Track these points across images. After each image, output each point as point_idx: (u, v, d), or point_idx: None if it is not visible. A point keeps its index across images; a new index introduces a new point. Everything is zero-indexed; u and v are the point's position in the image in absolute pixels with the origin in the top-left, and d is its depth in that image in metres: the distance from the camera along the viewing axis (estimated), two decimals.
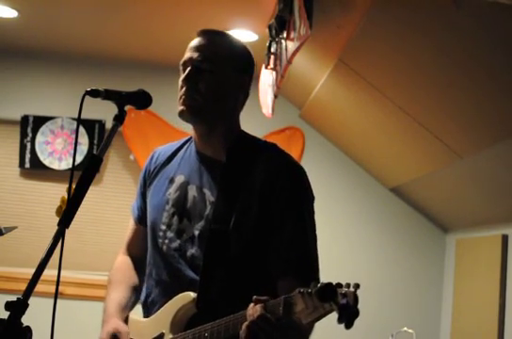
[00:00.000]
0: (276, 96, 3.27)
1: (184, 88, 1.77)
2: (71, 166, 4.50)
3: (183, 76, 1.78)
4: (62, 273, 1.33)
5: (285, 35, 2.87)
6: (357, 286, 1.26)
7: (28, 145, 4.70)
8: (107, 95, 1.49)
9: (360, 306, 1.25)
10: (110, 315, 1.81)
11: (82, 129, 4.68)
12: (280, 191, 1.72)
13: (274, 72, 3.17)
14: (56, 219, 1.35)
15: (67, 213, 1.35)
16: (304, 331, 1.56)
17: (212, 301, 1.68)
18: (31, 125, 4.72)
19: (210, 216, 1.73)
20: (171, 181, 1.85)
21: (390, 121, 3.54)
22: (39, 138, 4.72)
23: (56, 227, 1.34)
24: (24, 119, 4.71)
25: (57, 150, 4.73)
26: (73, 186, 1.41)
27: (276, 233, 1.70)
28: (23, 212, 4.73)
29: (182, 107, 1.77)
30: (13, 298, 1.23)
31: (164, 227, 1.81)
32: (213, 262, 1.70)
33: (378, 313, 4.39)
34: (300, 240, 1.71)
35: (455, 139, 3.11)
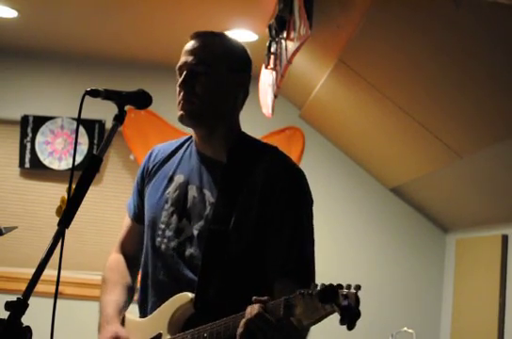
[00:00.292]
0: (276, 96, 3.27)
1: (181, 93, 1.76)
2: (71, 166, 4.49)
3: (179, 81, 1.77)
4: (62, 273, 1.33)
5: (285, 35, 2.87)
6: (358, 288, 1.27)
7: (28, 145, 4.71)
8: (107, 95, 1.49)
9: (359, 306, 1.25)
10: (108, 319, 1.80)
11: (82, 129, 4.68)
12: (280, 193, 1.72)
13: (274, 72, 3.17)
14: (56, 219, 1.35)
15: (67, 213, 1.35)
16: (303, 333, 1.56)
17: (210, 302, 1.67)
18: (31, 125, 4.72)
19: (210, 216, 1.73)
20: (170, 180, 1.84)
21: (390, 121, 3.54)
22: (39, 138, 4.72)
23: (56, 227, 1.34)
24: (24, 119, 4.71)
25: (57, 150, 4.73)
26: (73, 186, 1.41)
27: (274, 235, 1.70)
28: (23, 212, 4.73)
29: (181, 112, 1.77)
30: (13, 298, 1.23)
31: (163, 226, 1.80)
32: (211, 262, 1.70)
33: (378, 313, 4.39)
34: (298, 243, 1.71)
35: (455, 139, 3.12)
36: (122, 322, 1.83)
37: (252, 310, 1.43)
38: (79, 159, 4.65)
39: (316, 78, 3.78)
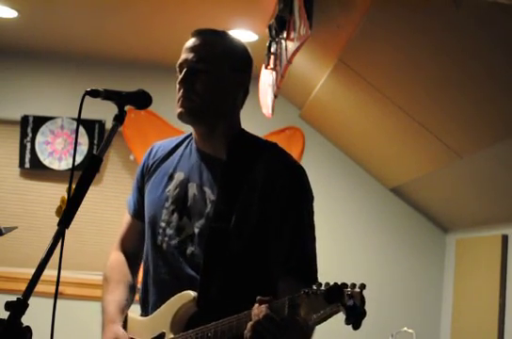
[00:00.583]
0: (276, 96, 3.27)
1: (181, 91, 1.76)
2: (71, 166, 4.49)
3: (179, 78, 1.77)
4: (62, 273, 1.33)
5: (285, 35, 2.87)
6: (363, 287, 1.26)
7: (28, 145, 4.71)
8: (107, 95, 1.49)
9: None
10: (111, 319, 1.79)
11: (82, 129, 4.68)
12: (281, 190, 1.72)
13: (274, 72, 3.17)
14: (56, 219, 1.35)
15: (67, 213, 1.35)
16: (308, 331, 1.56)
17: (212, 300, 1.67)
18: (31, 125, 4.72)
19: (210, 214, 1.73)
20: (171, 177, 1.84)
21: (390, 121, 3.54)
22: (39, 138, 4.72)
23: (56, 227, 1.34)
24: (24, 119, 4.71)
25: (57, 150, 4.73)
26: (73, 186, 1.41)
27: (275, 232, 1.71)
28: (22, 212, 4.73)
29: (180, 110, 1.76)
30: (13, 298, 1.22)
31: (163, 224, 1.80)
32: (213, 260, 1.70)
33: (378, 313, 4.38)
34: (299, 240, 1.71)
35: (454, 139, 3.12)
36: (125, 321, 1.83)
37: (259, 311, 1.43)
38: (79, 159, 4.65)
39: (316, 78, 3.78)
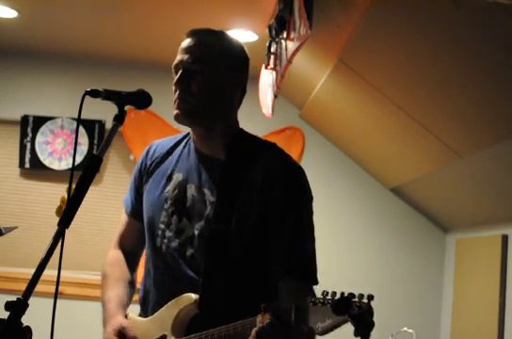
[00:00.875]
0: (276, 96, 3.27)
1: (177, 92, 1.75)
2: (71, 166, 4.49)
3: (175, 79, 1.76)
4: (62, 273, 1.33)
5: (285, 35, 2.87)
6: (371, 298, 1.26)
7: (28, 145, 4.71)
8: (107, 95, 1.49)
9: None
10: (114, 313, 1.79)
11: (82, 129, 4.68)
12: (280, 191, 1.71)
13: (274, 72, 3.17)
14: (56, 219, 1.35)
15: (67, 213, 1.35)
16: None
17: (213, 302, 1.67)
18: (31, 125, 4.72)
19: (210, 216, 1.73)
20: (169, 178, 1.83)
21: (390, 121, 3.54)
22: (39, 138, 4.72)
23: (56, 227, 1.34)
24: (24, 119, 4.71)
25: (57, 150, 4.73)
26: (73, 186, 1.41)
27: (275, 232, 1.70)
28: (22, 212, 4.73)
29: (176, 111, 1.75)
30: (13, 298, 1.22)
31: (162, 226, 1.80)
32: (214, 262, 1.70)
33: (378, 313, 4.34)
34: (299, 240, 1.71)
35: (454, 139, 3.12)
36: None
37: (264, 318, 1.42)
38: (79, 159, 4.65)
39: (316, 78, 3.78)
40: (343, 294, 1.27)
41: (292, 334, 1.39)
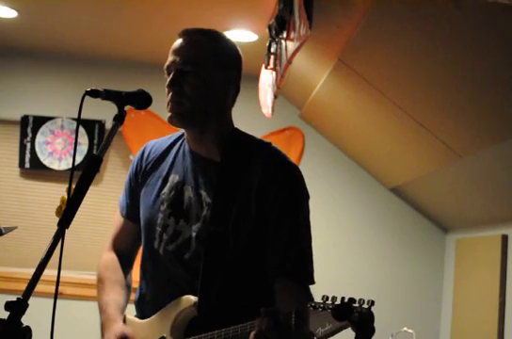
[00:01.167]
0: (276, 96, 3.27)
1: (170, 94, 1.74)
2: (70, 166, 4.49)
3: (168, 81, 1.75)
4: (62, 273, 1.33)
5: (285, 35, 2.87)
6: (371, 303, 1.26)
7: (28, 145, 4.71)
8: (107, 95, 1.49)
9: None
10: (113, 319, 1.78)
11: (82, 129, 4.68)
12: (276, 191, 1.70)
13: (274, 72, 3.17)
14: (56, 219, 1.35)
15: (67, 213, 1.35)
16: None
17: (212, 304, 1.67)
18: (31, 125, 4.72)
19: (207, 217, 1.71)
20: (165, 180, 1.82)
21: (390, 120, 3.54)
22: (38, 138, 4.72)
23: (56, 227, 1.34)
24: (24, 119, 4.71)
25: (57, 150, 4.73)
26: (73, 186, 1.41)
27: (271, 233, 1.70)
28: (22, 212, 4.73)
29: (170, 114, 1.75)
30: (13, 298, 1.22)
31: (159, 228, 1.78)
32: (212, 264, 1.69)
33: (378, 313, 4.36)
34: (295, 241, 1.70)
35: (454, 139, 3.11)
36: (124, 322, 1.82)
37: (262, 322, 1.40)
38: (79, 159, 4.65)
39: (316, 78, 3.77)
40: (343, 299, 1.26)
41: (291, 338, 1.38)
